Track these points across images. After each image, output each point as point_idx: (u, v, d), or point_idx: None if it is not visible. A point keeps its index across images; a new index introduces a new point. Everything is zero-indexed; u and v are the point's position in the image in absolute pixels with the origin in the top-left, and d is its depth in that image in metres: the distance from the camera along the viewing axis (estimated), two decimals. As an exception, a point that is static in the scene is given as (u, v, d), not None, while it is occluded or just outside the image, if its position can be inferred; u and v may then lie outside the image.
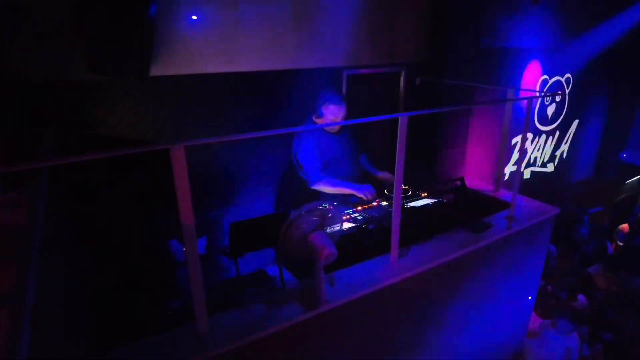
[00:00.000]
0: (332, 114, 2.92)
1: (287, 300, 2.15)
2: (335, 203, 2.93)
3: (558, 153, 6.06)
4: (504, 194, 3.42)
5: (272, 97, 3.35)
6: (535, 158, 5.74)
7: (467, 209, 3.05)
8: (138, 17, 2.30)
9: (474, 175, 4.42)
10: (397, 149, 2.31)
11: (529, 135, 5.47)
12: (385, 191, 3.13)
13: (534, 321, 4.27)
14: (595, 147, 6.75)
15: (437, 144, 4.27)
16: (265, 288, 2.29)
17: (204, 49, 2.92)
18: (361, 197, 2.94)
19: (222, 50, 3.02)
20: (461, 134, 4.46)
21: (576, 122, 6.11)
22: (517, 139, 5.38)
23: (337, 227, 2.64)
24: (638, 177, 7.09)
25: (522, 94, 4.64)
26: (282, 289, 2.25)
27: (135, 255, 2.80)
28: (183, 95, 3.01)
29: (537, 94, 5.06)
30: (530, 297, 3.58)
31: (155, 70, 2.63)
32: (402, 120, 2.30)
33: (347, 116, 2.97)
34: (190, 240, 1.73)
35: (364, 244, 2.61)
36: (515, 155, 5.35)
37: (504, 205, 3.17)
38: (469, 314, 3.03)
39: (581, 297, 4.81)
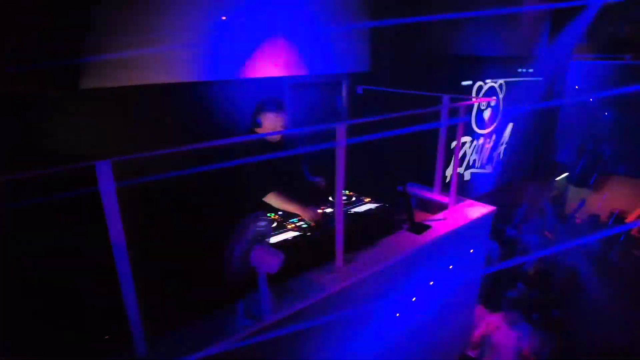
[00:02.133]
0: (271, 122, 2.90)
1: (232, 315, 2.11)
2: (280, 213, 2.96)
3: (495, 155, 6.43)
4: (443, 196, 3.56)
5: (213, 109, 3.31)
6: (474, 160, 6.04)
7: (408, 212, 3.15)
8: (67, 25, 2.21)
9: (418, 178, 4.60)
10: (336, 156, 2.36)
11: (467, 139, 5.75)
12: (330, 198, 3.17)
13: (483, 316, 4.47)
14: (530, 148, 7.23)
15: (382, 150, 4.40)
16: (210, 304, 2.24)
17: (140, 59, 2.84)
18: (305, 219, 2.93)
19: (160, 60, 2.95)
20: (406, 140, 4.62)
21: (511, 125, 6.52)
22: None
23: (281, 237, 2.64)
24: (565, 174, 7.66)
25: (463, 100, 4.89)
26: (228, 304, 2.21)
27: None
28: (119, 108, 2.91)
29: (473, 99, 5.35)
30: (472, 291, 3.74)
31: (88, 82, 2.53)
32: (340, 128, 2.35)
33: (288, 125, 2.98)
34: (122, 261, 1.67)
35: (310, 252, 2.62)
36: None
37: (443, 206, 3.31)
38: (416, 314, 3.11)
39: (520, 286, 5.08)
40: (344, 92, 4.34)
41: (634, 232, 7.33)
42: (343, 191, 3.39)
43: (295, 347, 2.30)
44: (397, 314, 2.98)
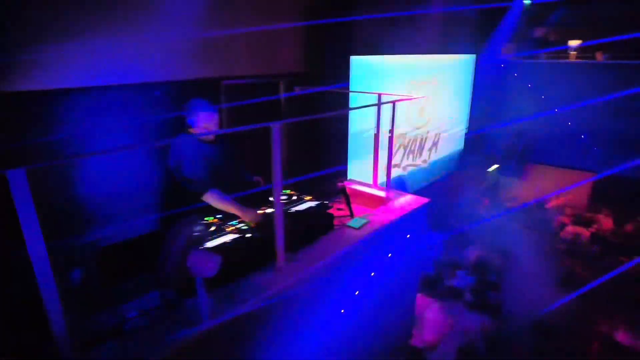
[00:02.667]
0: (204, 121, 2.86)
1: (169, 323, 2.05)
2: (219, 216, 2.91)
3: (430, 149, 6.74)
4: (381, 190, 3.69)
5: (146, 111, 3.19)
6: (411, 155, 6.30)
7: (348, 208, 3.23)
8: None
9: (358, 174, 4.72)
10: (273, 155, 2.36)
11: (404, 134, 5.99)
12: (270, 198, 3.16)
13: (424, 305, 4.68)
14: (461, 142, 7.66)
15: (321, 149, 4.47)
16: (146, 314, 2.16)
17: (68, 62, 2.69)
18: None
19: (89, 62, 2.80)
20: (344, 138, 4.73)
21: (444, 120, 6.87)
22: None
23: (220, 240, 2.60)
24: (496, 166, 8.20)
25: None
26: (164, 312, 2.14)
27: None
28: (41, 112, 2.72)
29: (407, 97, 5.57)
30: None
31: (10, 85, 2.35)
32: (275, 128, 2.35)
33: (221, 123, 2.94)
34: (44, 274, 1.56)
35: (250, 254, 2.60)
36: (394, 155, 5.84)
37: (381, 200, 3.43)
38: (359, 308, 3.19)
39: (460, 273, 5.38)
40: (281, 92, 4.36)
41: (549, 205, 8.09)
42: (283, 191, 3.43)
43: (239, 350, 2.27)
44: (342, 310, 3.05)
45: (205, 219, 2.81)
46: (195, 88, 3.46)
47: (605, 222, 8.02)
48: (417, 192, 3.79)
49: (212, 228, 2.68)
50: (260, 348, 2.42)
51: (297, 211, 3.04)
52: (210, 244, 2.52)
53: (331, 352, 3.05)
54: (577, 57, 7.61)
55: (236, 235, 2.69)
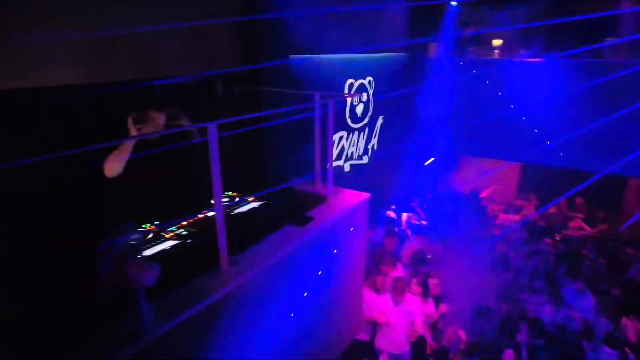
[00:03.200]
0: (152, 122, 2.72)
1: (108, 337, 1.93)
2: (157, 222, 2.79)
3: (370, 146, 6.92)
4: (324, 188, 3.72)
5: (77, 114, 2.97)
6: (352, 152, 6.43)
7: (292, 207, 3.23)
8: None
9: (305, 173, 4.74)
10: (211, 157, 2.31)
11: (344, 133, 6.09)
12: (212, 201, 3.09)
13: (370, 298, 4.79)
14: (399, 137, 7.92)
15: (265, 149, 4.41)
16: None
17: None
18: None
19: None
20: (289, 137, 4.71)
21: (381, 118, 7.07)
22: (336, 136, 5.97)
23: (159, 247, 2.50)
24: (431, 159, 8.59)
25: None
26: (102, 327, 2.02)
27: None
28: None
29: (346, 95, 5.68)
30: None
31: None
32: (212, 129, 2.30)
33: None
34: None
35: (192, 259, 2.52)
36: (335, 152, 5.94)
37: (324, 198, 3.46)
38: (308, 306, 3.20)
39: (399, 266, 5.57)
40: (219, 92, 4.25)
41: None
42: (226, 192, 3.36)
43: (186, 356, 2.20)
44: (290, 308, 3.04)
45: (142, 226, 2.69)
46: (125, 90, 3.28)
47: (531, 208, 8.69)
48: (359, 188, 3.87)
49: (150, 235, 2.57)
50: (208, 353, 2.35)
51: (240, 213, 3.00)
52: (148, 252, 2.42)
53: (282, 351, 3.04)
54: (499, 56, 8.18)
55: (176, 242, 2.61)
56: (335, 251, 3.36)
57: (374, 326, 4.75)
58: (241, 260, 2.58)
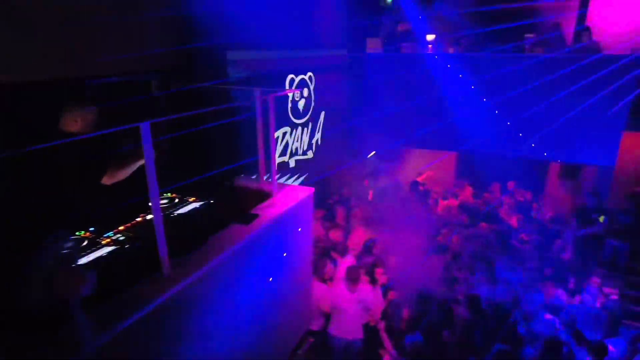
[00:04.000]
0: (82, 121, 2.57)
1: (41, 354, 1.81)
2: (92, 228, 2.65)
3: (314, 141, 6.98)
4: (268, 184, 3.70)
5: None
6: (297, 148, 6.45)
7: (235, 205, 3.19)
8: None
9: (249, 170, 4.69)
10: (145, 158, 2.22)
11: (287, 129, 6.10)
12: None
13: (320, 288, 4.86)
14: (342, 132, 8.06)
15: (205, 147, 4.30)
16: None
17: None
18: None
19: None
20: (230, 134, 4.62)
21: (323, 113, 7.15)
22: (279, 133, 5.95)
23: (95, 254, 2.38)
24: (373, 152, 8.83)
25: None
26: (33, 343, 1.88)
27: None
28: None
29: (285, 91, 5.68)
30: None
31: None
32: (145, 129, 2.22)
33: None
34: None
35: (131, 265, 2.42)
36: (280, 148, 5.93)
37: (268, 194, 3.45)
38: (258, 300, 3.19)
39: (348, 257, 5.68)
40: (153, 90, 4.08)
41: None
42: (165, 194, 3.25)
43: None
44: (239, 306, 3.01)
45: (76, 233, 2.55)
46: (53, 88, 3.06)
47: (467, 193, 9.22)
48: (305, 183, 3.92)
49: (84, 243, 2.43)
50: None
51: (179, 214, 2.91)
52: (83, 260, 2.29)
53: (234, 351, 3.01)
54: (432, 51, 8.53)
55: (113, 247, 2.48)
56: (282, 246, 3.37)
57: (326, 316, 4.85)
58: (184, 263, 2.52)
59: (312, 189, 3.71)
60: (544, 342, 4.57)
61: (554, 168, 9.61)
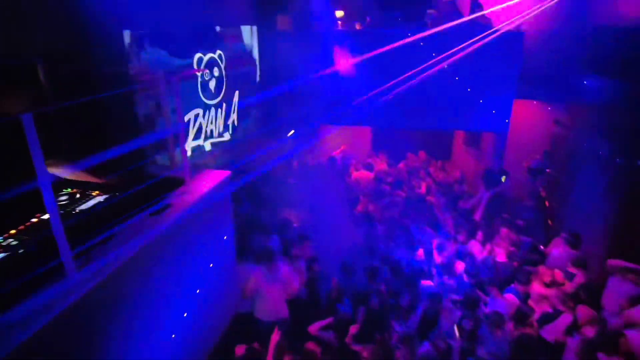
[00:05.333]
0: None
1: None
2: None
3: (230, 122, 6.79)
4: (180, 171, 3.56)
5: None
6: (212, 130, 6.24)
7: (145, 196, 3.02)
8: None
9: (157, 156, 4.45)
10: (31, 152, 2.01)
11: (199, 111, 5.85)
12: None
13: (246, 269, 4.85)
14: (258, 110, 7.94)
15: (106, 136, 3.98)
16: None
17: None
18: None
19: None
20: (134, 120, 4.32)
21: (237, 92, 6.95)
22: (191, 115, 5.70)
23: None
24: (292, 131, 8.84)
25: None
26: None
27: None
28: None
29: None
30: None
31: None
32: (27, 119, 2.00)
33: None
34: None
35: (29, 271, 2.20)
36: (194, 131, 5.69)
37: (180, 181, 3.32)
38: (180, 293, 3.11)
39: (273, 237, 5.72)
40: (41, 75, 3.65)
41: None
42: (64, 190, 2.98)
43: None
44: (161, 299, 2.92)
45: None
46: None
47: (382, 164, 9.68)
48: (224, 167, 3.80)
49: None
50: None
51: (82, 210, 2.70)
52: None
53: (161, 343, 2.92)
54: (342, 27, 8.65)
55: (4, 254, 2.24)
56: (200, 233, 3.29)
57: (252, 298, 4.86)
58: (91, 262, 2.35)
59: (229, 172, 3.64)
60: (464, 295, 5.01)
61: (459, 136, 10.41)
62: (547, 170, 8.05)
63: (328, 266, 5.67)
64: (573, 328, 4.39)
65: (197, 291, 3.42)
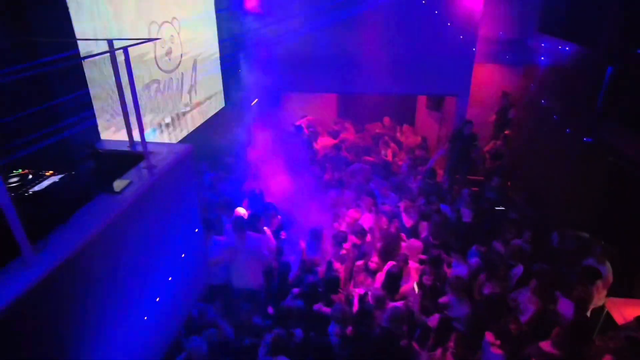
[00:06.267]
0: None
1: None
2: None
3: (189, 93, 6.55)
4: (137, 146, 3.43)
5: None
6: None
7: (103, 173, 2.92)
8: None
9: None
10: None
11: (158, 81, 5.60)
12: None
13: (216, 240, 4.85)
14: (219, 81, 7.69)
15: (57, 111, 3.77)
16: None
17: None
18: None
19: None
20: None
21: (194, 61, 6.68)
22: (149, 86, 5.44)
23: None
24: (256, 100, 8.65)
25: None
26: None
27: None
28: None
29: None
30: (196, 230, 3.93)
31: None
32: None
33: None
34: None
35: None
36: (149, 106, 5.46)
37: (139, 157, 3.21)
38: (145, 268, 3.06)
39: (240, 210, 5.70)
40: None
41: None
42: (15, 171, 2.82)
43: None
44: (128, 278, 2.87)
45: None
46: None
47: (349, 133, 9.70)
48: (186, 140, 3.70)
49: None
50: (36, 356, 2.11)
51: (36, 192, 2.57)
52: None
53: (129, 323, 2.90)
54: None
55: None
56: (168, 217, 3.22)
57: (226, 268, 4.89)
58: (49, 245, 2.28)
59: (191, 146, 3.54)
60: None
61: (422, 101, 10.53)
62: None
63: (297, 234, 5.75)
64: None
65: (169, 279, 3.39)
